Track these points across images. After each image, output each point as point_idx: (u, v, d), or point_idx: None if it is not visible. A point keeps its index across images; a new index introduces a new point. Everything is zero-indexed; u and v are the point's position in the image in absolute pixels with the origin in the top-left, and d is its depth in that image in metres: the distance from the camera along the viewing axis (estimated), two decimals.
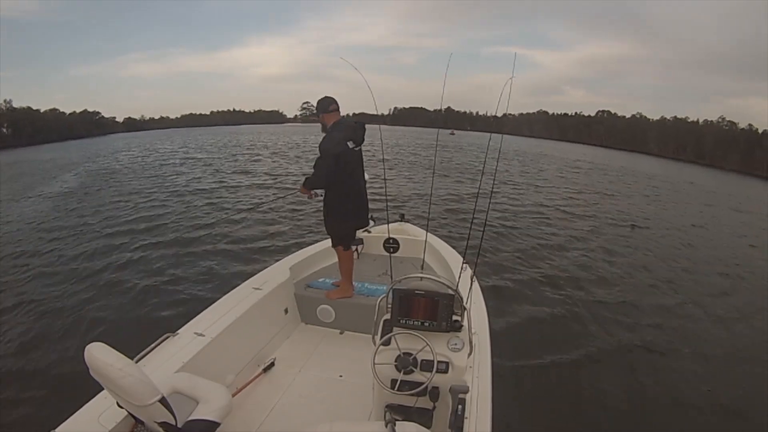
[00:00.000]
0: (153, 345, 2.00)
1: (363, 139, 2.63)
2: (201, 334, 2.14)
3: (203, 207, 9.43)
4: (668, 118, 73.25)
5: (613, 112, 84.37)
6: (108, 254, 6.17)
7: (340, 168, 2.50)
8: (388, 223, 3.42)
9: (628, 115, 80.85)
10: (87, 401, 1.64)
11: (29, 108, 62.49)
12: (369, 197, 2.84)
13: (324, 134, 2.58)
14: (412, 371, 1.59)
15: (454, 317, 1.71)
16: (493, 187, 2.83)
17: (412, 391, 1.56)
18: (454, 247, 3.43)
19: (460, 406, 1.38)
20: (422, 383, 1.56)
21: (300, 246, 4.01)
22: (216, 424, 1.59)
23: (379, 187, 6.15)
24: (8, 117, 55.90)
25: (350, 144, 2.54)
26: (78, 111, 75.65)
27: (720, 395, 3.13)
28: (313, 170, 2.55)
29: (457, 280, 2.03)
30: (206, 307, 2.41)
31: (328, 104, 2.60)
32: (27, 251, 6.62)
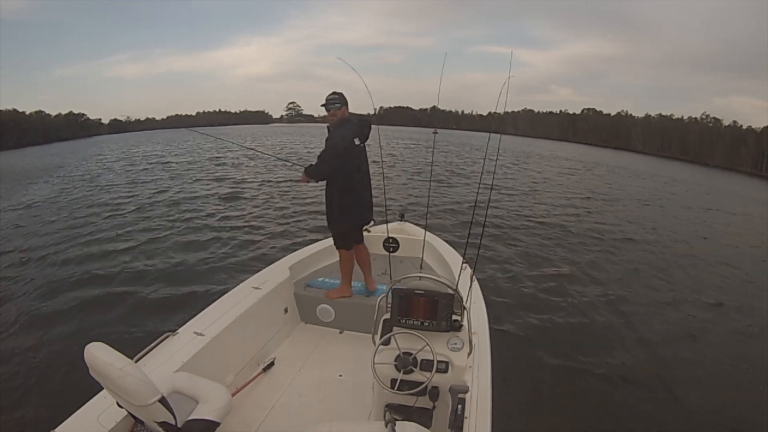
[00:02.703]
0: (153, 344, 1.99)
1: (368, 137, 2.69)
2: (201, 334, 2.14)
3: (200, 207, 9.43)
4: (653, 115, 72.87)
5: (598, 109, 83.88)
6: (107, 255, 6.16)
7: (345, 162, 2.55)
8: (387, 222, 3.42)
9: (613, 113, 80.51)
10: (87, 401, 1.63)
11: (15, 110, 61.96)
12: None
13: (331, 129, 2.60)
14: (412, 371, 1.60)
15: (454, 317, 1.72)
16: (492, 187, 2.84)
17: (412, 391, 1.56)
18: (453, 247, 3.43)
19: (459, 406, 1.38)
20: (422, 383, 1.56)
21: (299, 246, 4.01)
22: (216, 424, 1.59)
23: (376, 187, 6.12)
24: None
25: (356, 141, 2.60)
26: (63, 113, 74.90)
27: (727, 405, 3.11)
28: (316, 161, 2.58)
29: (456, 279, 2.04)
30: (206, 307, 2.41)
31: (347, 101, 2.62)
32: (21, 251, 6.61)
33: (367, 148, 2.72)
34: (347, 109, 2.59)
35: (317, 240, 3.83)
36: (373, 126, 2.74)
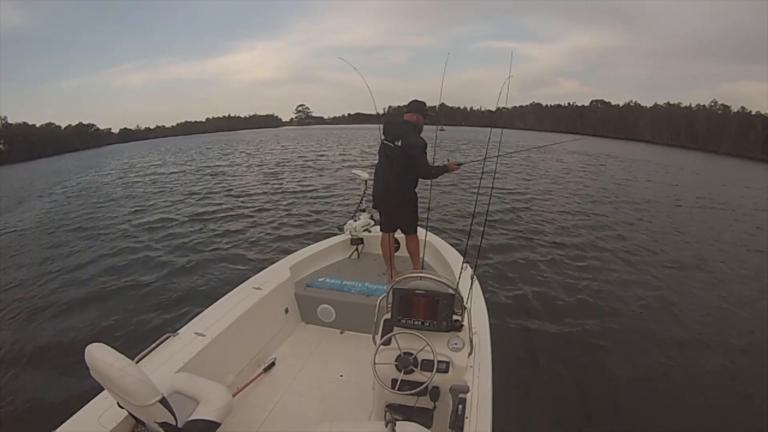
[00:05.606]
0: (153, 345, 2.00)
1: (394, 135, 2.86)
2: (201, 334, 2.14)
3: (201, 210, 9.45)
4: (661, 104, 72.11)
5: (607, 101, 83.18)
6: (107, 256, 6.19)
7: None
8: None
9: (621, 104, 79.81)
10: (87, 401, 1.64)
11: (25, 123, 63.34)
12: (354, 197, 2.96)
13: None
14: (413, 371, 1.60)
15: (455, 317, 1.72)
16: (493, 185, 2.83)
17: (413, 391, 1.56)
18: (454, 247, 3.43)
19: (460, 406, 1.38)
20: (422, 383, 1.56)
21: (299, 246, 4.01)
22: (216, 424, 1.59)
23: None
24: (4, 133, 56.67)
25: (383, 137, 2.94)
26: (73, 124, 76.65)
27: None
28: None
29: (457, 279, 2.03)
30: (207, 307, 2.41)
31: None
32: (24, 252, 6.64)
33: (392, 148, 2.88)
34: (407, 113, 2.94)
35: (317, 240, 3.83)
36: (380, 126, 2.83)
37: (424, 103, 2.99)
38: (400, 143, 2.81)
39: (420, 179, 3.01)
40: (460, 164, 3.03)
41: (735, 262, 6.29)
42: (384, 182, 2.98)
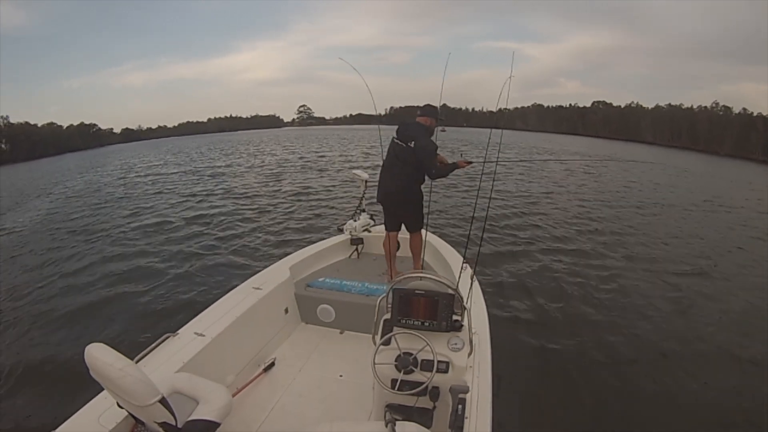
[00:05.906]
0: (153, 345, 2.00)
1: (407, 136, 2.97)
2: (201, 334, 2.14)
3: (202, 212, 9.46)
4: (663, 105, 71.89)
5: (608, 102, 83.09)
6: (107, 259, 6.19)
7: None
8: None
9: (623, 105, 79.69)
10: (87, 402, 1.64)
11: (27, 123, 63.77)
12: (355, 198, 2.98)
13: None
14: (413, 371, 1.60)
15: (455, 317, 1.72)
16: (493, 185, 2.84)
17: (412, 391, 1.56)
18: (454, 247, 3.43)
19: (460, 406, 1.38)
20: (422, 383, 1.56)
21: (299, 246, 4.01)
22: (216, 424, 1.59)
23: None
24: (6, 133, 57.02)
25: (395, 136, 3.04)
26: (75, 124, 77.25)
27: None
28: None
29: (457, 279, 2.03)
30: (206, 307, 2.42)
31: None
32: (24, 254, 6.64)
33: (403, 147, 2.98)
34: (420, 116, 3.06)
35: (316, 240, 3.83)
36: (380, 127, 2.83)
37: (437, 108, 3.13)
38: (413, 144, 2.91)
39: (426, 178, 3.09)
40: (470, 162, 3.11)
41: (745, 268, 6.23)
42: (392, 181, 3.06)
